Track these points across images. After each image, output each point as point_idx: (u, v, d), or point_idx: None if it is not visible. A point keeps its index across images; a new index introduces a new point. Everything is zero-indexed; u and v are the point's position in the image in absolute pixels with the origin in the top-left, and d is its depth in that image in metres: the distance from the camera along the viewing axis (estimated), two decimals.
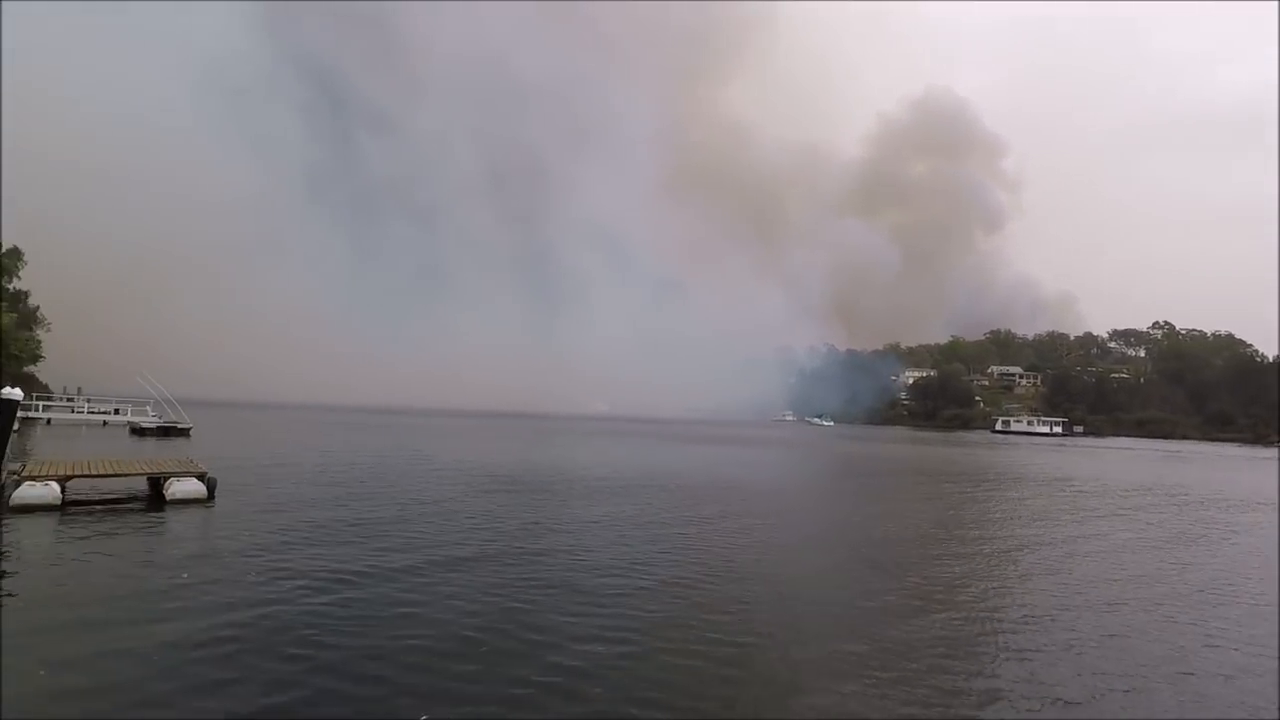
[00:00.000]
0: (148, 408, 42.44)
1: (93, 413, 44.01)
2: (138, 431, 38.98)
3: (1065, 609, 10.05)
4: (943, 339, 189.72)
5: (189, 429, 39.62)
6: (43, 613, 8.14)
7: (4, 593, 8.99)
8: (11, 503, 13.85)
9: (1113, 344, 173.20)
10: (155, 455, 24.56)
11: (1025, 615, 9.70)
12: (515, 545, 12.78)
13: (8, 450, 15.62)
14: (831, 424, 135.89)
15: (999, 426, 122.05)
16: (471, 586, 9.84)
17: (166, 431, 39.03)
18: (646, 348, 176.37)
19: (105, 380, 55.83)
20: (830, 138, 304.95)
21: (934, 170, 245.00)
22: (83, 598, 8.71)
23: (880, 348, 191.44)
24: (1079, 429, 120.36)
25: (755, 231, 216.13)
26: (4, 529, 12.44)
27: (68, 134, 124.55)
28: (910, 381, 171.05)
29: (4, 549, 11.25)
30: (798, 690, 6.80)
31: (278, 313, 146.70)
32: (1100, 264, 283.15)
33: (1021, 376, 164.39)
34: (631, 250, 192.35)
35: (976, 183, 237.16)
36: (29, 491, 14.10)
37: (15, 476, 14.58)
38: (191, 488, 15.77)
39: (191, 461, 18.13)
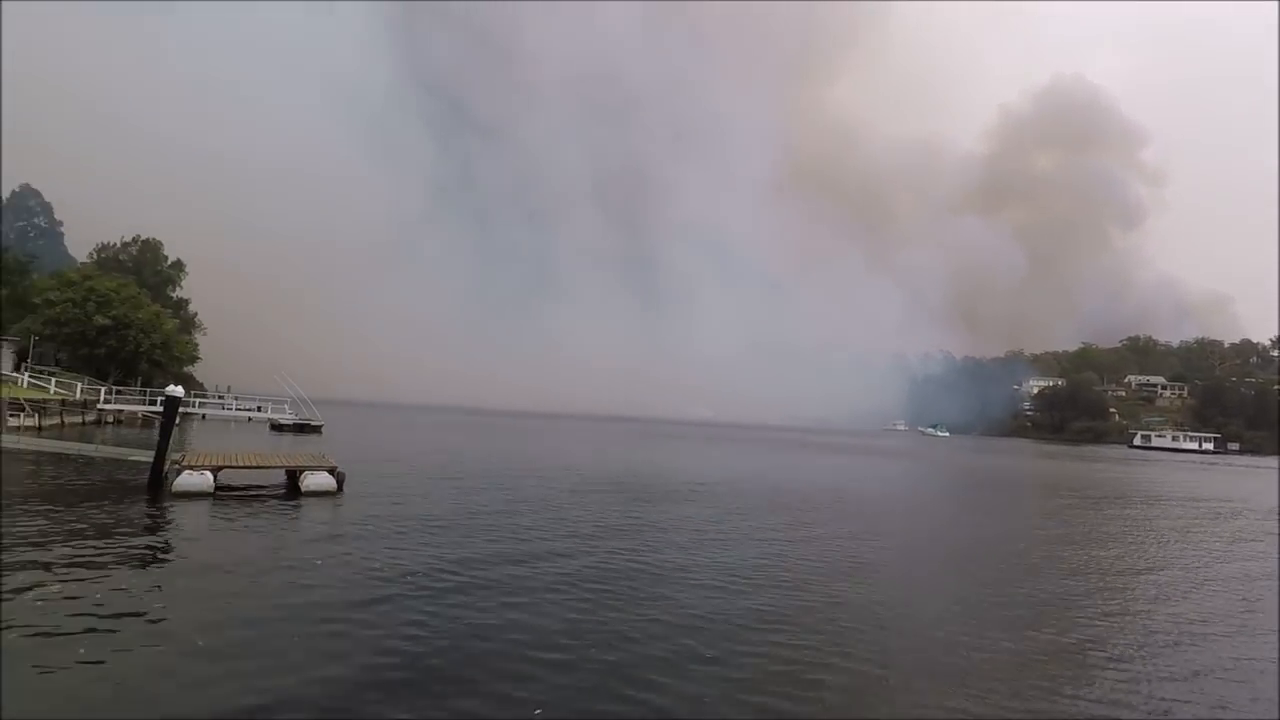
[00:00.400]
0: (285, 406, 46.14)
1: (239, 409, 48.34)
2: (277, 428, 42.53)
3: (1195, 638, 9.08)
4: (1072, 345, 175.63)
5: (321, 426, 42.79)
6: (197, 583, 9.04)
7: (169, 565, 10.05)
8: (174, 489, 15.46)
9: (1276, 352, 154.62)
10: (292, 450, 26.68)
11: (1143, 641, 8.88)
12: (622, 547, 12.93)
13: (170, 441, 17.41)
14: (947, 435, 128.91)
15: (1138, 441, 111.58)
16: (578, 586, 10.04)
17: (301, 428, 42.33)
18: (752, 353, 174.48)
19: (250, 379, 61.19)
20: (945, 134, 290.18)
21: (1062, 164, 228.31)
22: (231, 574, 9.58)
23: (1002, 355, 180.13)
24: (1234, 446, 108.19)
25: (866, 233, 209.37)
26: (168, 511, 13.91)
27: (214, 153, 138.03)
28: (1035, 391, 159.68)
29: (169, 528, 12.59)
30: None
31: (401, 317, 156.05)
32: (1259, 262, 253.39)
33: (1164, 387, 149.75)
34: (738, 254, 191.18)
35: (1111, 176, 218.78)
36: (188, 479, 15.68)
37: (177, 465, 16.25)
38: (323, 481, 17.00)
39: (323, 456, 19.55)
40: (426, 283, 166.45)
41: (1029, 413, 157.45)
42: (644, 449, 45.23)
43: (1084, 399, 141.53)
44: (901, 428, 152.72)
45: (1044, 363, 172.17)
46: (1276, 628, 10.09)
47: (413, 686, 6.35)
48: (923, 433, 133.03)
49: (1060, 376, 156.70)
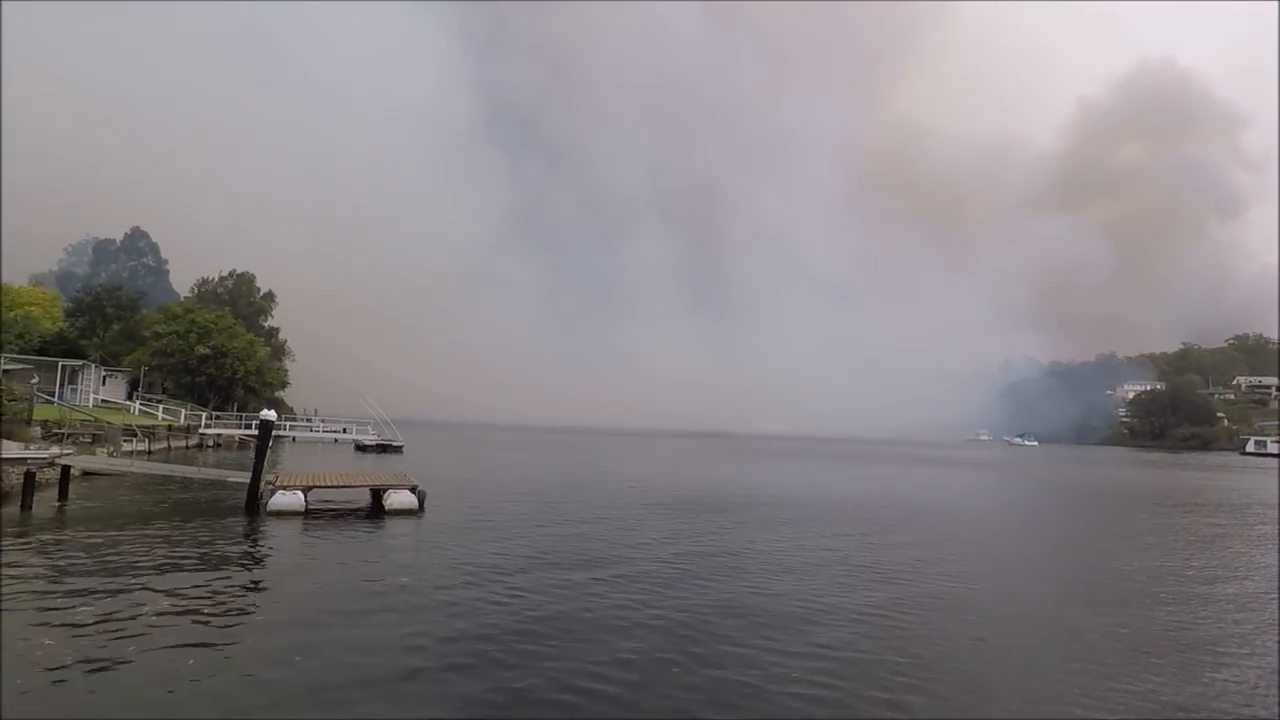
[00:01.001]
0: (369, 427, 48.03)
1: (326, 432, 50.63)
2: (361, 448, 44.29)
3: None
4: (1171, 346, 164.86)
5: (401, 446, 44.32)
6: (293, 600, 9.42)
7: (268, 580, 10.55)
8: (269, 508, 16.27)
9: None
10: (375, 470, 27.69)
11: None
12: (701, 566, 12.78)
13: (264, 463, 18.36)
14: (1035, 444, 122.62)
15: (1251, 448, 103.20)
16: (656, 604, 9.97)
17: (384, 448, 43.95)
18: (824, 364, 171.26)
19: (336, 402, 64.15)
20: (1019, 130, 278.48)
21: (1151, 154, 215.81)
22: (324, 590, 9.96)
23: (1092, 358, 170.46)
24: None
25: (941, 236, 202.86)
26: (264, 529, 14.65)
27: (295, 180, 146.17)
28: (1130, 396, 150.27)
29: (266, 546, 13.24)
30: None
31: (478, 338, 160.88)
32: None
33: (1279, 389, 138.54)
34: (809, 265, 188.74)
35: (1207, 163, 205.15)
36: (281, 499, 16.48)
37: (271, 486, 17.12)
38: (405, 499, 17.55)
39: (405, 476, 20.20)
40: (502, 303, 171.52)
41: (1125, 419, 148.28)
42: (720, 464, 44.84)
43: (1187, 403, 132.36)
44: (985, 438, 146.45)
45: (1140, 365, 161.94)
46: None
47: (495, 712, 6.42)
48: (1009, 443, 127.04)
49: (1159, 380, 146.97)
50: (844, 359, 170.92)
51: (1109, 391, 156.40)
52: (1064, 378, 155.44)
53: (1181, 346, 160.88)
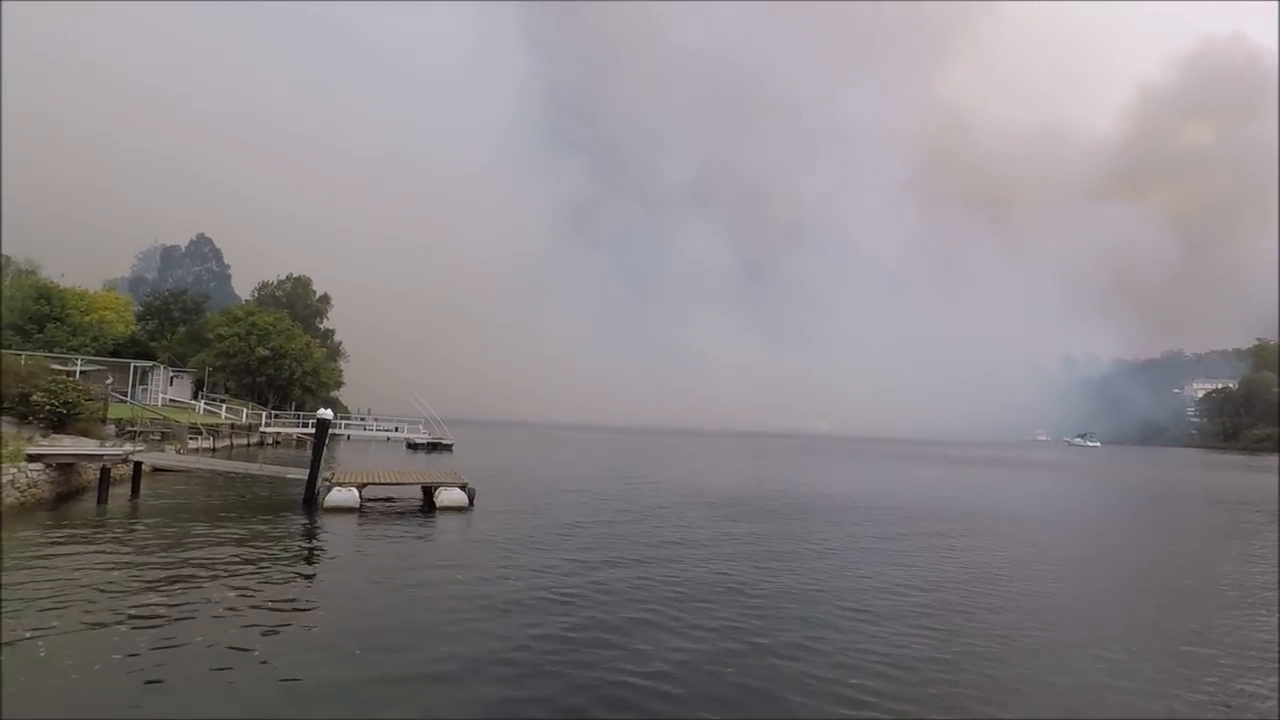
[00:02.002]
0: (420, 426, 49.12)
1: (379, 430, 51.99)
2: (412, 446, 45.33)
3: None
4: (1244, 342, 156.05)
5: (452, 444, 45.19)
6: (349, 594, 9.70)
7: (326, 575, 10.89)
8: (325, 504, 16.78)
9: None
10: (426, 467, 28.30)
11: None
12: (756, 575, 12.67)
13: (321, 461, 18.94)
14: (1098, 445, 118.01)
15: None
16: (709, 612, 9.94)
17: (434, 446, 44.90)
18: (874, 361, 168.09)
19: (388, 401, 65.84)
20: (1075, 117, 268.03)
21: (1218, 138, 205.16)
22: (380, 583, 10.23)
23: (1158, 355, 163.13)
24: None
25: (995, 229, 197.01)
26: (322, 524, 15.12)
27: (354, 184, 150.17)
28: (1200, 395, 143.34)
29: (324, 541, 13.66)
30: None
31: (529, 339, 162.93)
32: None
33: None
34: (863, 257, 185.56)
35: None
36: (338, 495, 16.98)
37: (327, 483, 17.66)
38: (456, 496, 17.90)
39: (455, 474, 20.59)
40: (564, 301, 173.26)
41: (1193, 419, 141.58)
42: (767, 463, 44.46)
43: (1263, 402, 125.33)
44: (1043, 438, 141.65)
45: (1210, 363, 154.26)
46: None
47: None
48: (1069, 443, 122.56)
49: (1230, 378, 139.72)
50: (895, 355, 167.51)
51: (1176, 391, 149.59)
52: (1128, 375, 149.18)
53: (1256, 342, 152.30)
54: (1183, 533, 20.54)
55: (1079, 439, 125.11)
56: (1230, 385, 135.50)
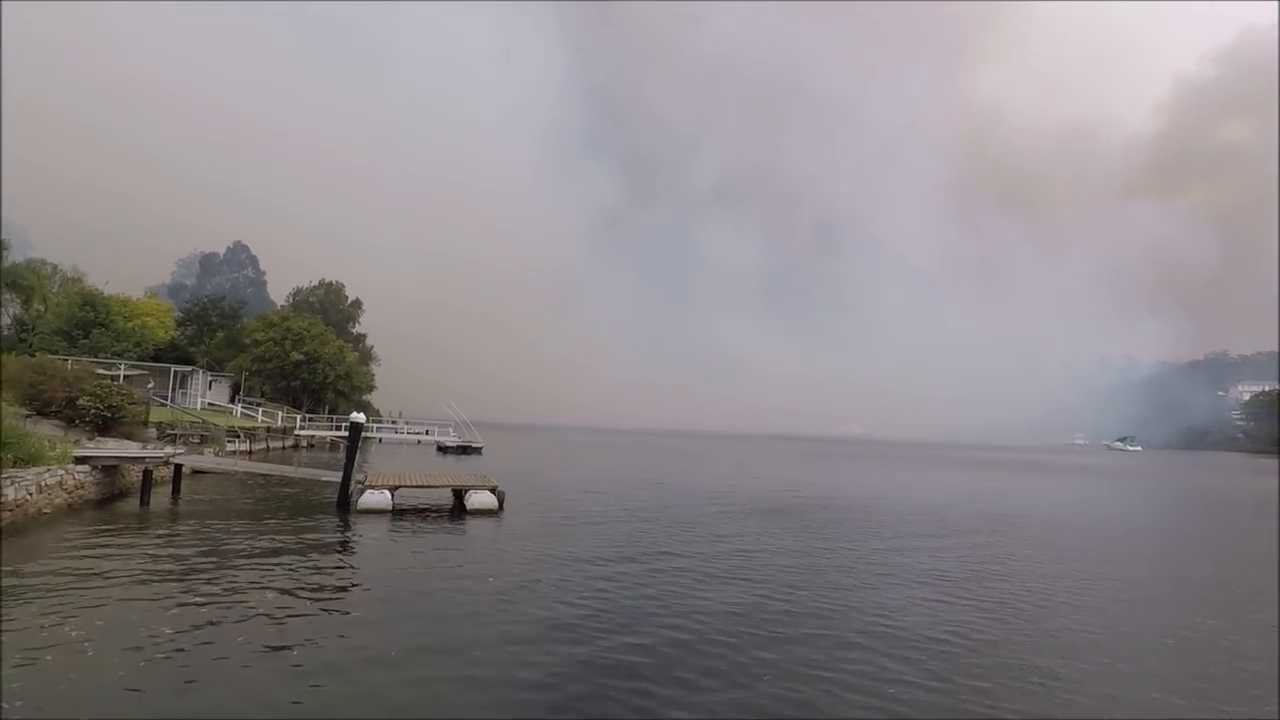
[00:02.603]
0: (450, 429, 49.65)
1: (410, 433, 52.67)
2: (442, 449, 45.80)
3: None
4: None
5: (481, 448, 45.57)
6: (383, 594, 9.80)
7: (361, 577, 11.03)
8: (359, 506, 17.02)
9: None
10: (456, 470, 28.57)
11: None
12: (789, 582, 12.57)
13: (354, 463, 19.22)
14: (1139, 449, 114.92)
15: None
16: (743, 620, 9.87)
17: (464, 450, 45.32)
18: (905, 365, 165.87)
19: (418, 404, 66.65)
20: (1108, 113, 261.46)
21: (1258, 131, 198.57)
22: (410, 586, 10.33)
23: (1199, 357, 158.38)
24: None
25: (1028, 227, 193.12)
26: (356, 526, 15.34)
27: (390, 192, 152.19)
28: (1246, 398, 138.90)
29: (356, 545, 13.85)
30: None
31: (561, 344, 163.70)
32: None
33: None
34: (889, 261, 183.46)
35: None
36: (370, 498, 17.21)
37: (360, 485, 17.91)
38: (486, 499, 18.03)
39: (485, 477, 20.75)
40: (584, 308, 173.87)
41: (1239, 422, 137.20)
42: (804, 468, 44.07)
43: None
44: (1081, 441, 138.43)
45: (1257, 364, 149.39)
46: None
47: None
48: (1109, 447, 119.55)
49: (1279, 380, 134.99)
50: (927, 358, 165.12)
51: (1220, 393, 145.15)
52: (1170, 377, 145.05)
53: None
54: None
55: (1119, 443, 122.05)
56: (1278, 389, 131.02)
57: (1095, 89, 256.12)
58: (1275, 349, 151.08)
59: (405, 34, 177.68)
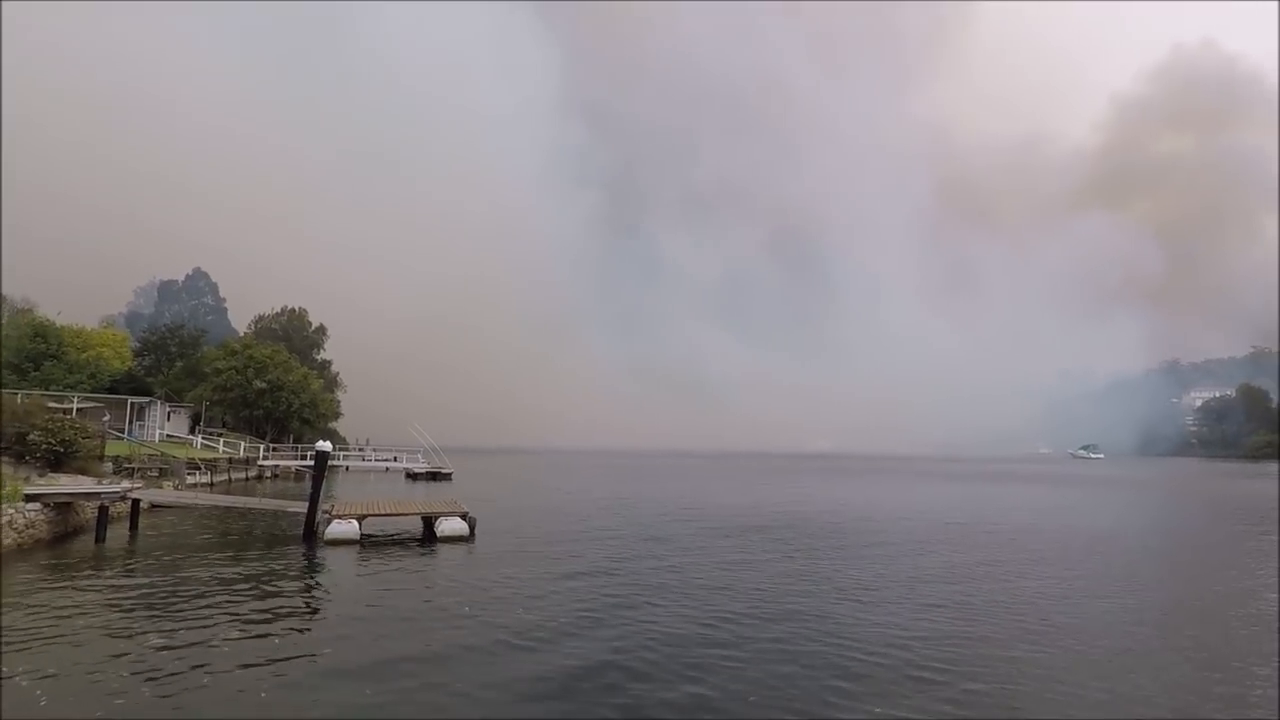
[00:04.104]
0: (419, 455, 48.90)
1: (378, 460, 51.74)
2: (411, 476, 45.06)
3: None
4: (1238, 350, 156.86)
5: (451, 473, 44.93)
6: (352, 628, 9.58)
7: (327, 609, 10.76)
8: (325, 537, 16.64)
9: None
10: (426, 497, 28.10)
11: None
12: (768, 600, 12.59)
13: (321, 492, 18.82)
14: (1102, 457, 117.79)
15: None
16: (726, 637, 9.85)
17: (434, 475, 44.64)
18: (864, 379, 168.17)
19: (387, 429, 65.46)
20: (1049, 130, 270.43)
21: (1195, 146, 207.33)
22: (383, 620, 10.11)
23: (1154, 365, 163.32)
24: None
25: (981, 243, 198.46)
26: (322, 558, 14.98)
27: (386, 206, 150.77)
28: (1198, 404, 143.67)
29: (323, 576, 13.53)
30: None
31: (525, 364, 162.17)
32: None
33: None
34: (846, 273, 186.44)
35: (1260, 155, 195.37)
36: (337, 528, 16.85)
37: (327, 515, 17.53)
38: (457, 526, 17.77)
39: (455, 503, 20.47)
40: (556, 332, 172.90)
41: (1192, 428, 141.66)
42: (777, 484, 44.23)
43: (1262, 411, 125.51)
44: (1045, 450, 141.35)
45: (1207, 372, 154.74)
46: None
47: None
48: (1074, 456, 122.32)
49: (1228, 386, 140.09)
50: (884, 371, 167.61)
51: (1173, 400, 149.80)
52: (1123, 387, 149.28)
53: (1252, 350, 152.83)
54: None
55: (1082, 450, 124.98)
56: (1229, 394, 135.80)
57: (1036, 108, 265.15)
58: (1224, 355, 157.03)
59: (380, 33, 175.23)
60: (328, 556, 15.14)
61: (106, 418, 33.21)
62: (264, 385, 48.90)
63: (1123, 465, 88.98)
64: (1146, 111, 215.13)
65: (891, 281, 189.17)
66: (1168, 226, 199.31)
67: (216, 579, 12.40)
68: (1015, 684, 7.75)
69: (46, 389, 39.04)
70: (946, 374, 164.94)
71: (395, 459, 50.35)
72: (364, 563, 14.58)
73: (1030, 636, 9.60)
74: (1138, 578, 14.52)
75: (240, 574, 12.89)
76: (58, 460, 21.84)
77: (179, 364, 54.35)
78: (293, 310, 68.04)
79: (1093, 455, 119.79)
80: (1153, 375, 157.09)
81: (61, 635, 8.82)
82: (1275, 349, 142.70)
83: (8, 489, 16.00)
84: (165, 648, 8.43)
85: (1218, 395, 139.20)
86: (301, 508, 18.03)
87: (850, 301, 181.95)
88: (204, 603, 10.69)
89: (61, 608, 10.13)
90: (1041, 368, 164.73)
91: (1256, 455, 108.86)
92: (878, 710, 6.87)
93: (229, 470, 37.18)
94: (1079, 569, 15.18)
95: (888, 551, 16.89)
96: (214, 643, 8.66)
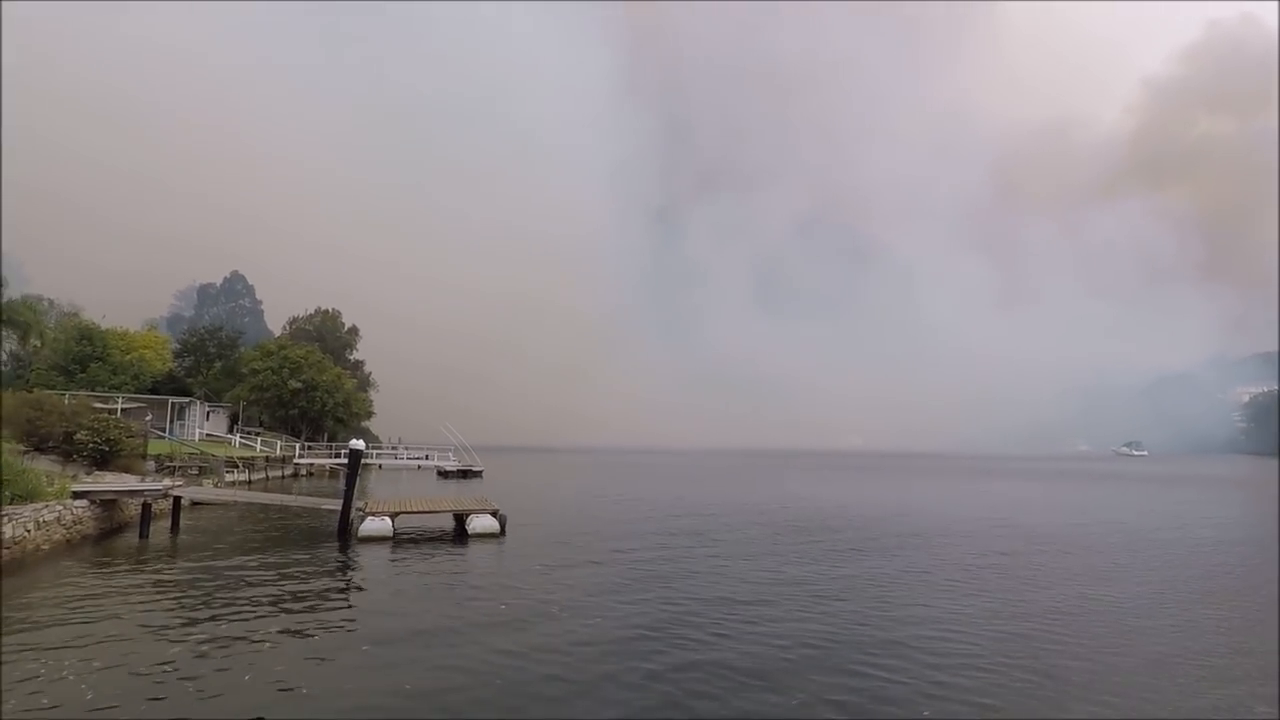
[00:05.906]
0: (450, 454, 49.47)
1: (410, 459, 52.46)
2: (443, 474, 45.59)
3: None
4: None
5: (481, 471, 45.35)
6: (386, 623, 9.66)
7: (364, 604, 10.90)
8: (359, 534, 16.88)
9: None
10: (457, 495, 28.35)
11: None
12: (806, 603, 12.46)
13: (355, 490, 19.08)
14: (1146, 454, 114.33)
15: None
16: (758, 637, 9.76)
17: (464, 474, 45.14)
18: (893, 374, 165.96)
19: (418, 429, 66.35)
20: (1079, 116, 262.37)
21: (1234, 129, 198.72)
22: (416, 615, 10.20)
23: (1198, 360, 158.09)
24: None
25: (1013, 233, 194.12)
26: (356, 554, 15.19)
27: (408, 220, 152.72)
28: (1245, 400, 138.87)
29: (360, 571, 13.71)
30: None
31: (550, 363, 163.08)
32: None
33: None
34: (872, 263, 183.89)
35: None
36: (371, 525, 17.09)
37: (361, 512, 17.78)
38: (488, 523, 17.90)
39: (486, 500, 20.62)
40: (573, 332, 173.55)
41: (1240, 424, 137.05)
42: (821, 482, 43.83)
43: None
44: (1085, 448, 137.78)
45: (1255, 366, 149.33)
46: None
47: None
48: (1118, 453, 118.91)
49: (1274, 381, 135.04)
50: (914, 365, 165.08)
51: (1220, 395, 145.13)
52: (1166, 382, 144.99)
53: None
54: None
55: (1125, 448, 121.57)
56: (1276, 388, 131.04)
57: (1066, 92, 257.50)
58: (1273, 349, 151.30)
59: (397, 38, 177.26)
60: (361, 553, 15.35)
61: (149, 417, 34.15)
62: (299, 385, 49.81)
63: (1173, 464, 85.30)
64: (1183, 93, 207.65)
65: (914, 276, 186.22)
66: (1208, 213, 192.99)
67: (253, 576, 12.65)
68: None
69: (92, 390, 40.24)
70: (979, 367, 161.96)
71: (427, 457, 51.00)
72: (397, 559, 14.75)
73: None
74: None
75: (277, 571, 13.12)
76: (103, 459, 22.51)
77: (218, 365, 55.61)
78: (326, 311, 69.17)
79: (1136, 453, 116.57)
80: (1198, 370, 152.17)
81: (108, 631, 9.05)
82: None
83: (56, 486, 16.51)
84: (208, 639, 8.61)
85: (1265, 390, 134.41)
86: (336, 505, 18.31)
87: (886, 295, 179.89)
88: (244, 596, 10.91)
89: (108, 601, 10.41)
90: (1078, 362, 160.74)
91: None
92: None
93: (266, 468, 37.96)
94: None
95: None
96: (255, 637, 8.82)
